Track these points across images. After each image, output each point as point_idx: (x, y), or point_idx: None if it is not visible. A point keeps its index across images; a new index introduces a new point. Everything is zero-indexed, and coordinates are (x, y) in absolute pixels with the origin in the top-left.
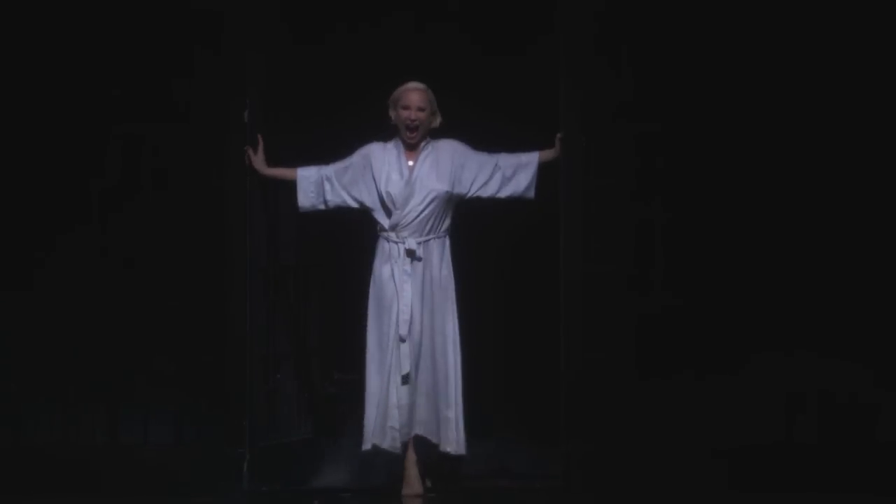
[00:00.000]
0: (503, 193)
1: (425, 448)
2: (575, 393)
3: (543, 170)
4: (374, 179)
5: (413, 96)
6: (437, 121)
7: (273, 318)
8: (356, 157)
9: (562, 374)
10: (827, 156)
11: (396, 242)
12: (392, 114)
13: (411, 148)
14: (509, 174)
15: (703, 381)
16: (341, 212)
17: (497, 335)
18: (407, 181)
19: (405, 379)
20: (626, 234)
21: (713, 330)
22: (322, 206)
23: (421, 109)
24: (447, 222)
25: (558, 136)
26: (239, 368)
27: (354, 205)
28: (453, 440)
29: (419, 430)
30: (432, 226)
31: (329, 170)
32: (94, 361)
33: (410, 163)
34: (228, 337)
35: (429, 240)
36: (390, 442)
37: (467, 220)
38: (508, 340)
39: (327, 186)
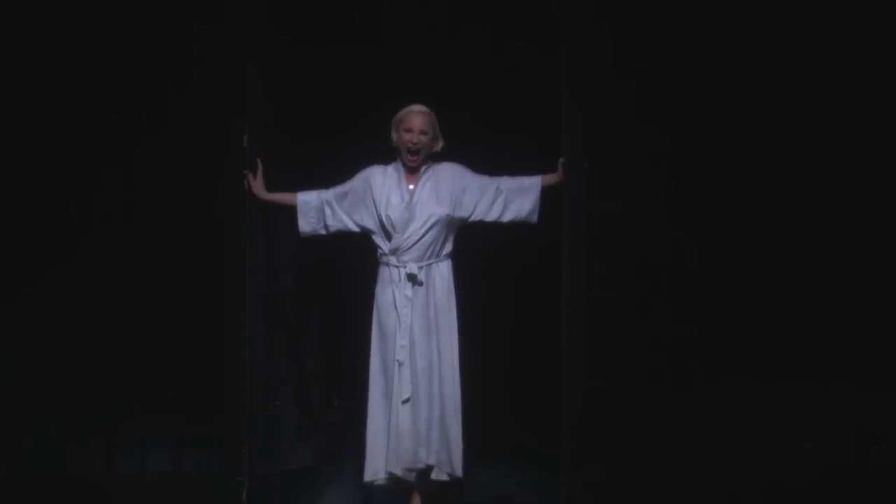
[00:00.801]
0: (506, 217)
1: (426, 476)
2: (577, 420)
3: (547, 194)
4: (375, 203)
5: (416, 119)
6: (440, 145)
7: (272, 344)
8: (356, 181)
9: (564, 401)
10: (844, 175)
11: (397, 267)
12: (394, 135)
13: (412, 171)
14: (511, 198)
15: (711, 411)
16: (342, 236)
17: (499, 360)
18: (407, 205)
19: (405, 403)
20: (630, 260)
21: (722, 359)
22: (323, 232)
23: (423, 133)
24: (449, 246)
25: (561, 160)
26: (238, 395)
27: (355, 229)
28: (454, 464)
29: (431, 460)
30: (433, 250)
31: (329, 194)
32: (91, 388)
33: (411, 186)
34: (227, 363)
35: (430, 264)
36: (395, 469)
37: (470, 244)
38: (510, 366)
39: (328, 211)
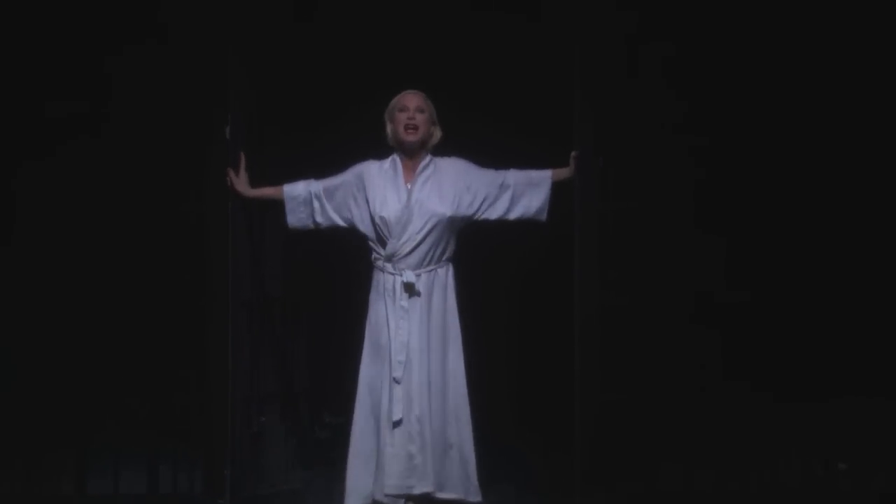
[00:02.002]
0: (512, 215)
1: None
2: (591, 438)
3: (557, 190)
4: (368, 202)
5: (411, 99)
6: (438, 135)
7: (258, 354)
8: (350, 176)
9: (576, 417)
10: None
11: (393, 274)
12: (388, 127)
13: (410, 165)
14: (519, 193)
15: (737, 428)
16: (334, 236)
17: (505, 373)
18: (405, 205)
19: (396, 425)
20: (648, 263)
21: (749, 372)
22: (312, 227)
23: (420, 110)
24: (450, 249)
25: (573, 154)
26: (220, 410)
27: (346, 226)
28: (465, 488)
29: (426, 487)
30: (433, 254)
31: (318, 187)
32: (59, 402)
33: (409, 184)
34: (208, 376)
35: (429, 270)
36: (380, 497)
37: (473, 246)
38: (516, 379)
39: (317, 205)
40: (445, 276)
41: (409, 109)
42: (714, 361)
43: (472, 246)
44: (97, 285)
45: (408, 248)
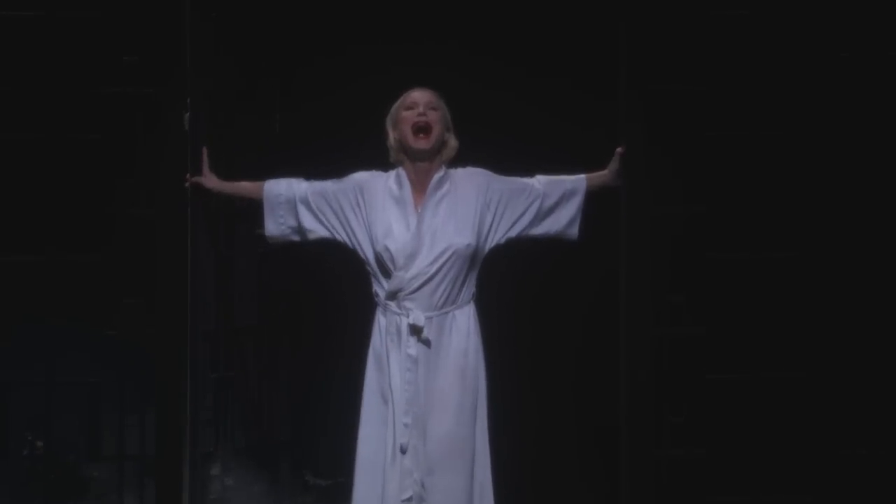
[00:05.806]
0: (537, 230)
1: None
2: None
3: (598, 197)
4: (368, 225)
5: (421, 94)
6: (453, 144)
7: (223, 399)
8: (348, 184)
9: (622, 477)
10: None
11: (397, 314)
12: (391, 136)
13: (420, 185)
14: (549, 205)
15: (826, 490)
16: (324, 244)
17: (537, 427)
18: (414, 234)
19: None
20: (714, 283)
21: (842, 419)
22: (296, 238)
23: (433, 108)
24: (471, 287)
25: (618, 150)
26: (173, 469)
27: (342, 240)
28: None
29: None
30: (448, 293)
31: (306, 189)
32: None
33: (419, 207)
34: (162, 426)
35: (445, 313)
36: None
37: (496, 272)
38: (554, 432)
39: (302, 211)
40: (467, 320)
41: (419, 105)
42: (799, 406)
43: (496, 272)
44: (29, 314)
45: (416, 284)
